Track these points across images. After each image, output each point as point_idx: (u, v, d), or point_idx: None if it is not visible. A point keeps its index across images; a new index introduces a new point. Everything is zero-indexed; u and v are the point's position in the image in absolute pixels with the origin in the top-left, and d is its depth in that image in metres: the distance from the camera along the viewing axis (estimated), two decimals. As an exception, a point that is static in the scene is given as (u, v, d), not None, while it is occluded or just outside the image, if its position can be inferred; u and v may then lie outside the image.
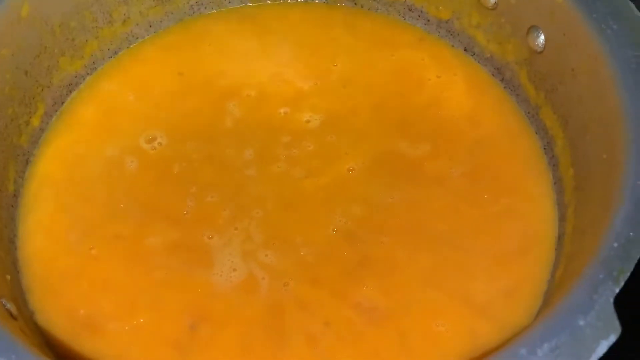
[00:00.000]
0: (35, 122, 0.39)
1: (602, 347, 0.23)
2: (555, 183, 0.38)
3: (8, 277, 0.32)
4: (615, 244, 0.25)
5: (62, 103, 0.41)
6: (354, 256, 0.36)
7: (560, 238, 0.36)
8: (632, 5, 0.34)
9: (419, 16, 0.45)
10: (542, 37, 0.38)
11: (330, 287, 0.35)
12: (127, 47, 0.44)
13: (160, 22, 0.44)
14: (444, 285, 0.35)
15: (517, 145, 0.40)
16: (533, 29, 0.38)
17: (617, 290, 0.23)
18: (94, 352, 0.33)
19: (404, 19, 0.46)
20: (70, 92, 0.42)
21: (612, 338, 0.23)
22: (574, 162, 0.36)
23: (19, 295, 0.33)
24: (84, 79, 0.43)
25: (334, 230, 0.37)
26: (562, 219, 0.36)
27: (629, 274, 0.24)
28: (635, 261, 0.24)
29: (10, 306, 0.29)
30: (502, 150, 0.40)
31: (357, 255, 0.36)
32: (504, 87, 0.42)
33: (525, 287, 0.35)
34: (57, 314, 0.34)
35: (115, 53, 0.44)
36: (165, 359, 0.33)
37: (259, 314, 0.34)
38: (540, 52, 0.38)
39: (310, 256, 0.36)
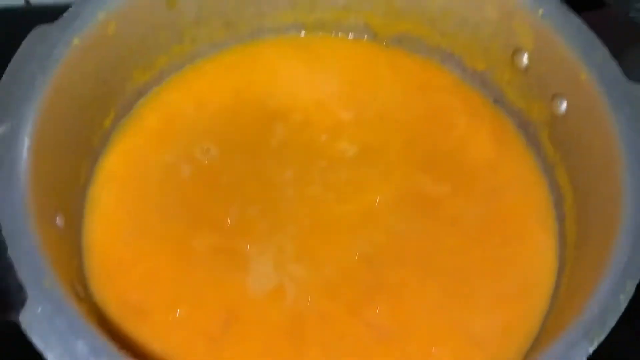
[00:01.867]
0: (107, 123, 0.44)
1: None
2: (560, 237, 0.42)
3: (75, 261, 0.38)
4: (596, 310, 0.29)
5: (131, 108, 0.46)
6: (372, 279, 0.41)
7: (556, 288, 0.40)
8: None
9: (456, 64, 0.49)
10: (564, 105, 0.42)
11: (347, 304, 0.40)
12: (192, 63, 0.49)
13: (224, 43, 0.49)
14: (447, 315, 0.39)
15: (530, 197, 0.44)
16: (557, 96, 0.42)
17: (590, 351, 0.28)
18: (140, 335, 0.38)
19: (443, 64, 0.50)
20: (138, 99, 0.47)
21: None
22: (578, 221, 0.40)
23: (82, 275, 0.38)
24: (151, 89, 0.47)
25: (356, 254, 0.41)
26: (560, 271, 0.40)
27: (603, 337, 0.28)
28: (610, 328, 0.28)
29: (80, 290, 0.34)
30: (516, 199, 0.44)
31: (374, 279, 0.41)
32: (527, 141, 0.46)
33: (520, 327, 0.39)
34: (111, 299, 0.39)
35: (181, 67, 0.49)
36: (200, 348, 0.38)
37: (283, 320, 0.39)
38: (562, 119, 0.42)
39: (334, 275, 0.40)
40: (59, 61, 0.38)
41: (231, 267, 0.40)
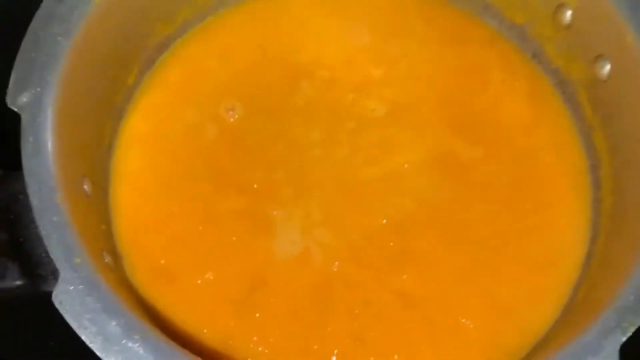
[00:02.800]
0: (130, 81, 0.43)
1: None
2: (594, 204, 0.41)
3: (103, 227, 0.38)
4: (632, 297, 0.28)
5: (154, 63, 0.45)
6: (399, 246, 0.40)
7: (588, 257, 0.39)
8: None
9: (494, 15, 0.47)
10: (607, 68, 0.40)
11: (374, 271, 0.39)
12: (214, 13, 0.47)
13: (248, -8, 0.47)
14: (474, 283, 0.39)
15: (564, 160, 0.43)
16: (601, 57, 0.40)
17: (623, 339, 0.27)
18: (168, 298, 0.38)
19: (479, 16, 0.47)
20: (161, 53, 0.45)
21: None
22: (614, 190, 0.39)
23: (110, 241, 0.38)
24: (174, 41, 0.46)
25: (384, 220, 0.41)
26: (593, 240, 0.39)
27: (637, 326, 0.27)
28: (646, 316, 0.28)
29: (109, 260, 0.34)
30: (549, 162, 0.43)
31: (402, 245, 0.40)
32: (564, 101, 0.44)
33: (548, 297, 0.39)
34: (139, 263, 0.39)
35: (204, 18, 0.47)
36: (226, 314, 0.38)
37: (309, 285, 0.39)
38: (604, 81, 0.40)
39: (361, 240, 0.40)
40: (81, 21, 0.37)
41: (257, 232, 0.40)
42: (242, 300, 0.38)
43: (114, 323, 0.28)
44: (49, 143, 0.33)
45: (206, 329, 0.37)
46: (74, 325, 0.27)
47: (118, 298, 0.29)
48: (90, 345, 0.27)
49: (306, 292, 0.39)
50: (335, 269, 0.39)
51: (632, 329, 0.27)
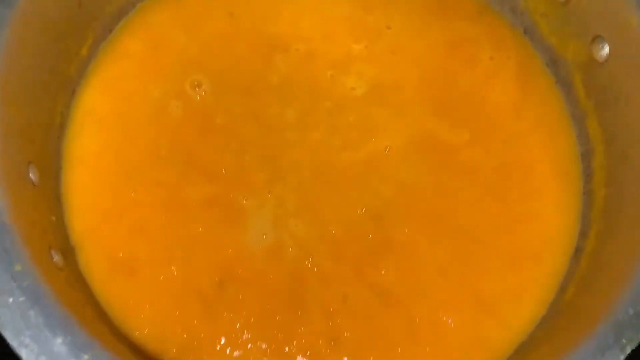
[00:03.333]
0: (84, 51, 0.39)
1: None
2: (584, 194, 0.39)
3: (53, 218, 0.34)
4: (631, 311, 0.26)
5: (111, 31, 0.41)
6: (378, 237, 0.38)
7: (577, 252, 0.37)
8: None
9: (483, -14, 0.43)
10: (606, 50, 0.37)
11: (351, 264, 0.37)
12: (180, -23, 0.43)
13: (217, -46, 0.42)
14: (457, 278, 0.37)
15: (555, 146, 0.41)
16: (599, 38, 0.37)
17: (622, 358, 0.25)
18: (127, 295, 0.35)
19: (468, -14, 0.44)
20: (119, 20, 0.41)
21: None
22: (608, 183, 0.37)
23: (61, 233, 0.35)
24: (133, 7, 0.42)
25: (362, 210, 0.38)
26: (583, 234, 0.37)
27: (637, 343, 0.25)
28: (645, 332, 0.26)
29: (58, 258, 0.31)
30: (539, 148, 0.40)
31: (381, 237, 0.38)
32: (556, 82, 0.42)
33: (533, 292, 0.37)
34: (96, 254, 0.36)
35: (168, -18, 0.42)
36: (192, 311, 0.35)
37: (282, 281, 0.36)
38: (601, 64, 0.37)
39: (337, 232, 0.37)
40: (22, -15, 0.32)
41: (226, 222, 0.37)
42: (208, 297, 0.36)
43: (59, 340, 0.25)
44: (-13, 127, 0.29)
45: (169, 329, 0.34)
46: (13, 343, 0.24)
47: (65, 311, 0.26)
48: (33, 367, 0.24)
49: (278, 288, 0.36)
50: (310, 263, 0.37)
51: (632, 347, 0.25)
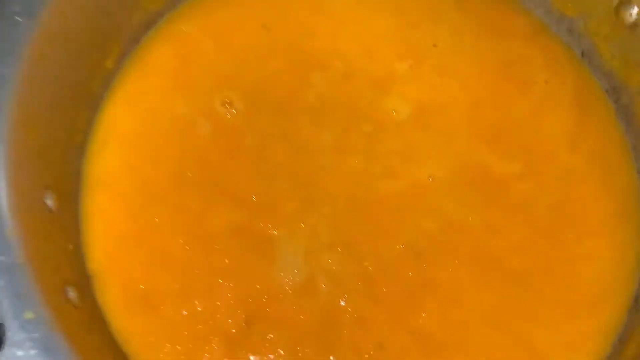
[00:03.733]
0: (109, 64, 0.37)
1: None
2: (646, 237, 0.35)
3: (71, 246, 0.32)
4: None
5: (138, 42, 0.38)
6: (419, 277, 0.35)
7: (637, 298, 0.34)
8: None
9: (540, 3, 0.40)
10: (679, 81, 0.33)
11: (389, 306, 0.34)
12: (213, -15, 0.40)
13: (253, -38, 0.40)
14: (506, 326, 0.34)
15: (614, 180, 0.38)
16: (673, 67, 0.34)
17: None
18: (146, 331, 0.33)
19: (523, 3, 0.41)
20: (148, 29, 0.38)
21: None
22: (675, 226, 0.33)
23: (78, 263, 0.32)
24: (162, 16, 0.39)
25: (402, 245, 0.35)
26: (645, 281, 0.34)
27: None
28: None
29: (74, 294, 0.28)
30: (597, 182, 0.37)
31: (422, 276, 0.35)
32: (616, 110, 0.39)
33: (589, 344, 0.34)
34: (114, 285, 0.33)
35: (200, -10, 0.40)
36: (215, 352, 0.33)
37: (313, 321, 0.34)
38: (673, 96, 0.34)
39: (374, 269, 0.35)
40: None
41: (255, 254, 0.35)
42: (234, 337, 0.33)
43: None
44: (2, 153, 0.27)
45: (189, 367, 0.32)
46: (20, 403, 0.22)
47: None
48: None
49: (309, 329, 0.33)
50: (344, 303, 0.34)
51: None
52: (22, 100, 0.29)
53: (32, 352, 0.22)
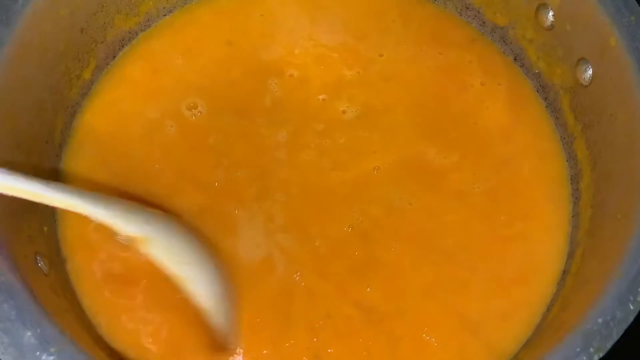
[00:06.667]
0: (87, 75, 0.41)
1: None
2: (573, 217, 0.39)
3: (45, 228, 0.35)
4: (600, 320, 0.26)
5: (114, 57, 0.43)
6: (364, 256, 0.38)
7: (564, 274, 0.37)
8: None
9: (475, 16, 0.45)
10: (589, 72, 0.37)
11: (336, 282, 0.37)
12: (182, 7, 0.45)
13: (217, -14, 0.45)
14: (441, 298, 0.37)
15: (545, 169, 0.41)
16: (583, 61, 0.38)
17: (591, 367, 0.25)
18: (120, 303, 0.36)
19: (460, 16, 0.45)
20: (122, 47, 0.43)
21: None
22: (593, 204, 0.37)
23: (53, 245, 0.36)
24: (136, 35, 0.44)
25: (349, 227, 0.38)
26: (570, 255, 0.37)
27: (604, 352, 0.25)
28: (614, 342, 0.25)
29: (43, 263, 0.32)
30: (528, 171, 0.40)
31: (367, 255, 0.38)
32: (546, 107, 0.42)
33: (520, 314, 0.36)
34: (86, 264, 0.37)
35: (170, 12, 0.45)
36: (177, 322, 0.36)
37: (270, 295, 0.36)
38: (586, 86, 0.38)
39: (324, 248, 0.38)
40: (26, 8, 0.34)
41: (219, 230, 0.38)
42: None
43: (29, 334, 0.25)
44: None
45: (151, 338, 0.35)
46: (-16, 334, 0.25)
47: (39, 307, 0.26)
48: (1, 357, 0.25)
49: (266, 302, 0.36)
50: (298, 278, 0.37)
51: (599, 355, 0.25)
52: (2, 98, 0.33)
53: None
